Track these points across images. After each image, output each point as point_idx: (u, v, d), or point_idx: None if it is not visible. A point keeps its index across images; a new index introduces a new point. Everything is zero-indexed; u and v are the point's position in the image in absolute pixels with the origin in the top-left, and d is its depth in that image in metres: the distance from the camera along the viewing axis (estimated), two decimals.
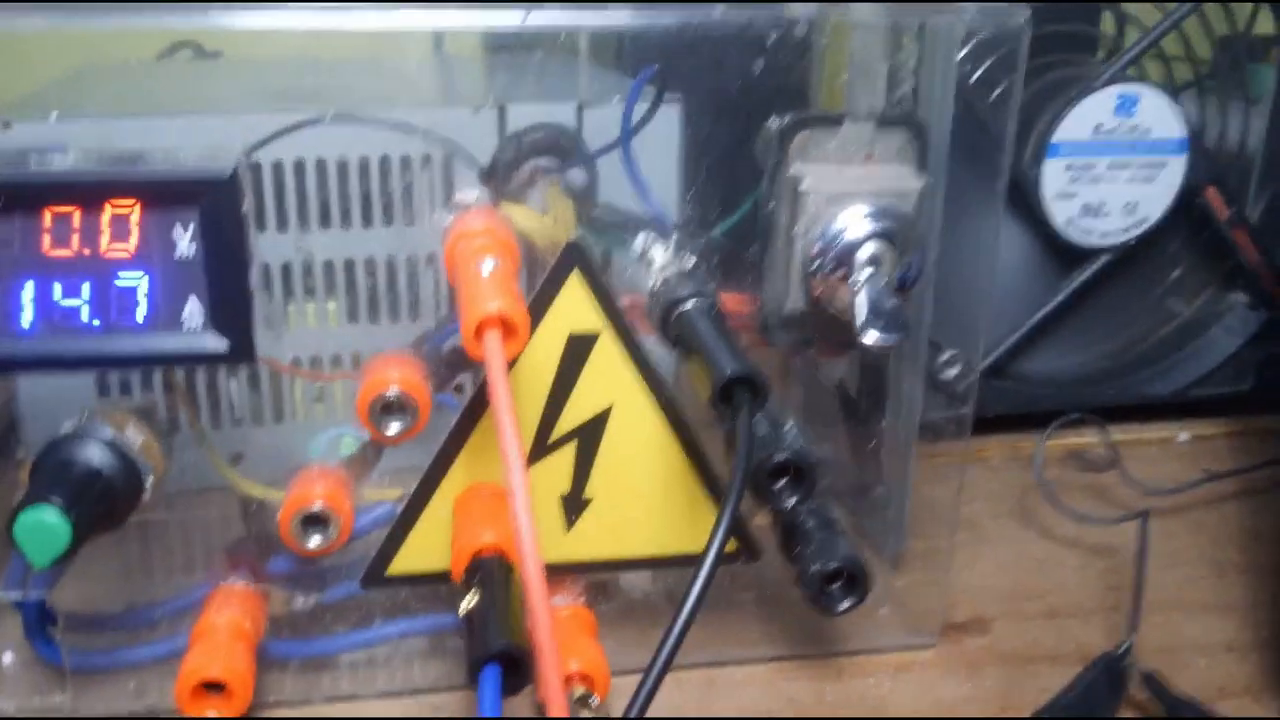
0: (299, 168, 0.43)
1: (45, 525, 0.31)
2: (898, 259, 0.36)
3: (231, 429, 0.48)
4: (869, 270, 0.35)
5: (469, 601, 0.32)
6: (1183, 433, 0.59)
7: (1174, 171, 0.54)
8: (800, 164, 0.37)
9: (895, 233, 0.36)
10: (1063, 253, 0.56)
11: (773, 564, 0.41)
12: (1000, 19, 0.35)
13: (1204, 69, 0.57)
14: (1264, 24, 0.57)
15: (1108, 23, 0.58)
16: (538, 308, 0.35)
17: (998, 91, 0.49)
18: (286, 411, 0.48)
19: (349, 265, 0.46)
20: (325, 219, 0.45)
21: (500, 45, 0.44)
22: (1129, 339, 0.59)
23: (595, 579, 0.40)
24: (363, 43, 0.39)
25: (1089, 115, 0.53)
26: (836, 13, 0.35)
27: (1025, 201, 0.54)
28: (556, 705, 0.28)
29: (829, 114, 0.37)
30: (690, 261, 0.37)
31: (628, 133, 0.38)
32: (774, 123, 0.38)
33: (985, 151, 0.54)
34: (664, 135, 0.43)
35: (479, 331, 0.30)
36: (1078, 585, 0.46)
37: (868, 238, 0.36)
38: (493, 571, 0.33)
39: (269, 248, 0.44)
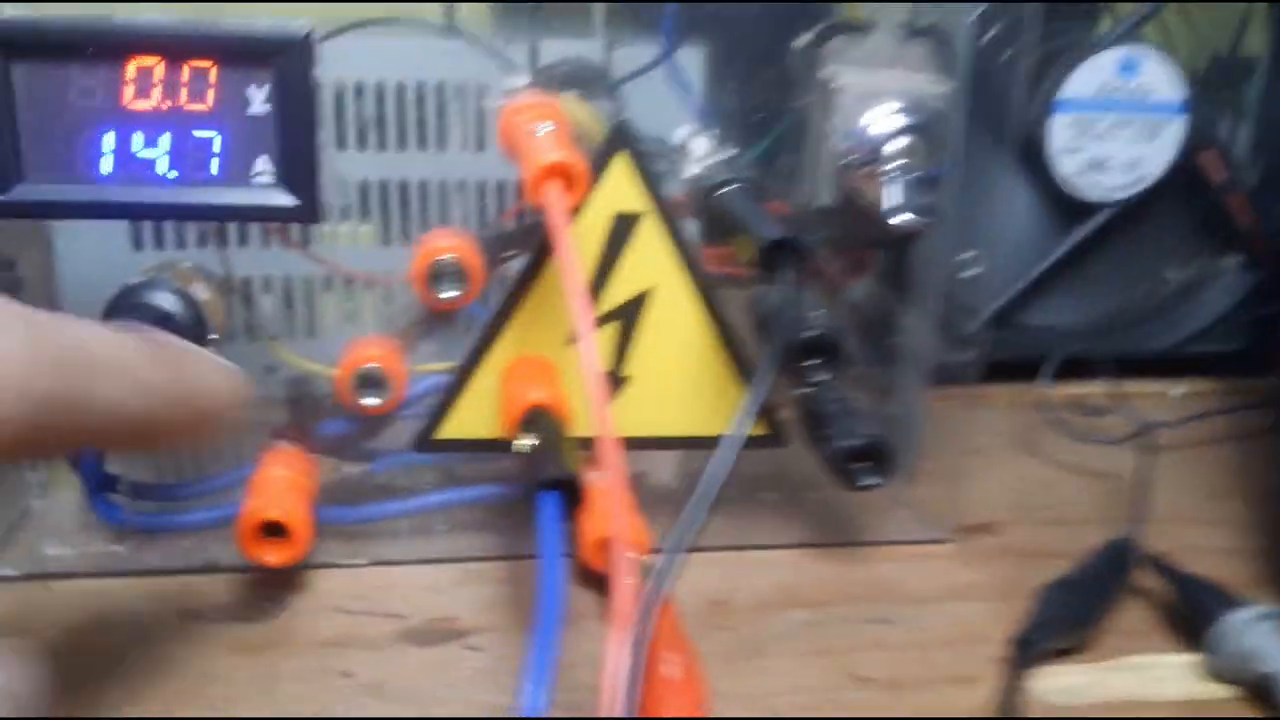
0: (338, 87, 0.45)
1: None
2: (926, 156, 0.39)
3: (264, 344, 0.49)
4: (899, 162, 0.38)
5: (526, 442, 0.34)
6: (1177, 388, 0.61)
7: (1173, 132, 0.57)
8: (834, 66, 0.39)
9: (923, 129, 0.38)
10: (1067, 208, 0.58)
11: (795, 463, 0.43)
12: None
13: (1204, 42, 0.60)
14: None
15: None
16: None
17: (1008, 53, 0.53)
18: (318, 328, 0.50)
19: (384, 188, 0.48)
20: (362, 141, 0.47)
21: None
22: (1128, 296, 0.61)
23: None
24: None
25: (1094, 75, 0.55)
26: None
27: (1034, 157, 0.57)
28: (621, 540, 0.30)
29: (860, 23, 0.39)
30: (731, 151, 0.39)
31: (671, 38, 0.40)
32: (806, 35, 0.40)
33: (995, 112, 0.57)
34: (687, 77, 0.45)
35: (539, 182, 0.33)
36: (1081, 501, 0.48)
37: (898, 133, 0.38)
38: (547, 418, 0.35)
39: None
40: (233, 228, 0.43)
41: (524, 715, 0.27)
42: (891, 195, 0.37)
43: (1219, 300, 0.61)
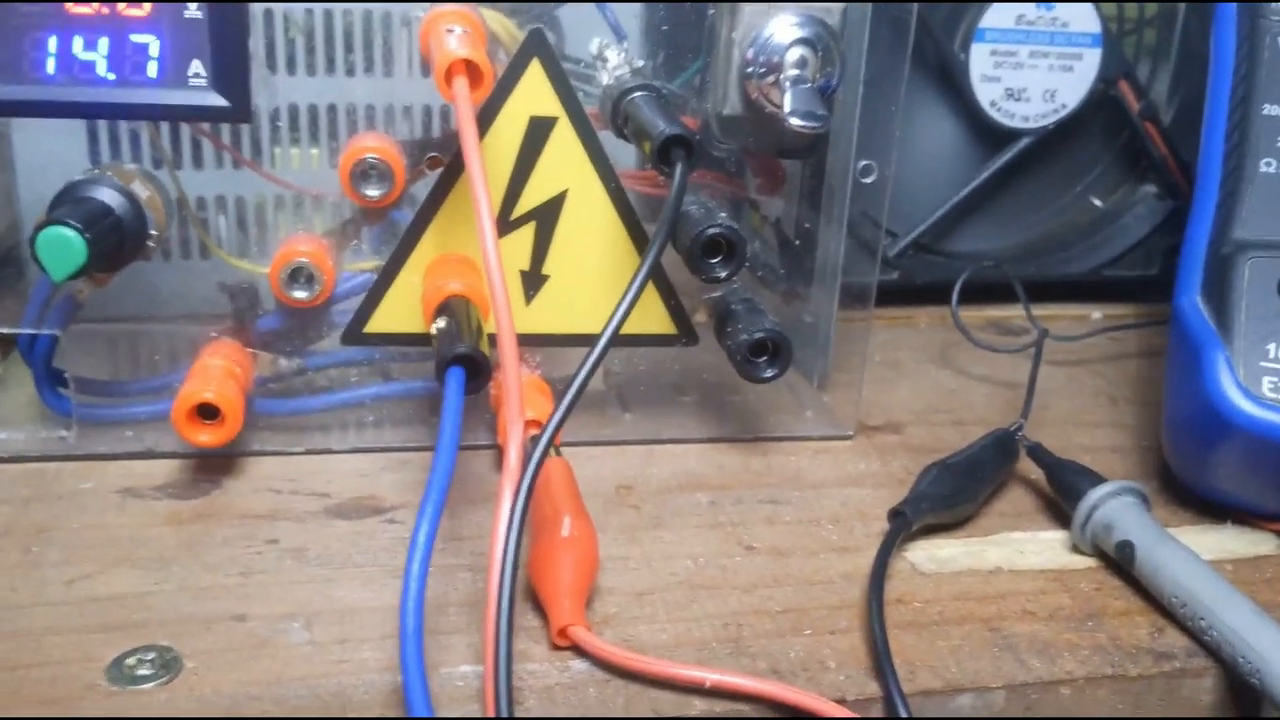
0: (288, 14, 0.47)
1: (64, 240, 0.36)
2: (821, 66, 0.41)
3: (219, 263, 0.52)
4: (795, 71, 0.41)
5: (438, 325, 0.37)
6: (1095, 312, 0.64)
7: (1089, 63, 0.60)
8: None
9: (818, 40, 0.41)
10: (989, 136, 0.61)
11: (712, 365, 0.46)
12: None
13: None
14: None
15: None
16: (501, 91, 0.40)
17: None
18: (270, 249, 0.52)
19: (331, 111, 0.50)
20: (311, 67, 0.49)
21: None
22: (1049, 223, 0.64)
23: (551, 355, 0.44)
24: None
25: (1013, 6, 0.58)
26: None
27: (954, 84, 0.59)
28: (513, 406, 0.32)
29: None
30: (640, 63, 0.41)
31: None
32: None
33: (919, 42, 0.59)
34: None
35: (448, 77, 0.35)
36: (984, 406, 0.51)
37: (794, 43, 0.41)
38: (459, 306, 0.38)
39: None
40: (187, 145, 0.45)
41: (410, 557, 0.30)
42: (787, 101, 0.40)
43: (1136, 227, 0.64)
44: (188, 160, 0.45)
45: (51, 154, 0.45)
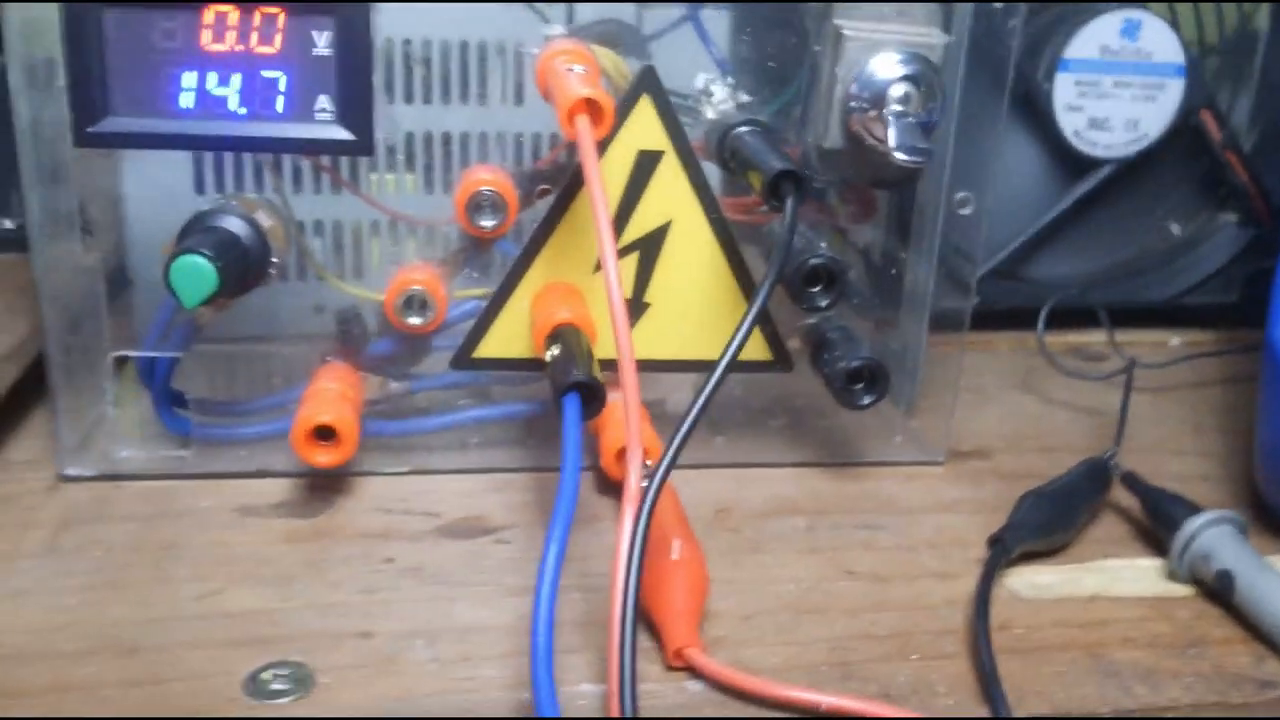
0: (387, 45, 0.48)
1: (197, 268, 0.37)
2: (923, 102, 0.42)
3: (315, 283, 0.53)
4: (899, 107, 0.41)
5: (551, 353, 0.38)
6: (1174, 338, 0.64)
7: (1172, 93, 0.60)
8: (843, 18, 0.43)
9: (921, 77, 0.42)
10: (1071, 164, 0.61)
11: (803, 390, 0.47)
12: None
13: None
14: None
15: None
16: (612, 126, 0.41)
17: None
18: (365, 270, 0.54)
19: (428, 139, 0.51)
20: (409, 96, 0.50)
21: None
22: (1129, 250, 0.64)
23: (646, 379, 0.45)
24: None
25: (1097, 36, 0.59)
26: None
27: (1038, 113, 0.60)
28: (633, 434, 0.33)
29: None
30: (745, 98, 0.43)
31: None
32: None
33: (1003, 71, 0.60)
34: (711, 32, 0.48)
35: (571, 115, 0.36)
36: (1070, 432, 0.52)
37: (899, 79, 0.42)
38: (570, 334, 0.39)
39: None
40: (288, 171, 0.46)
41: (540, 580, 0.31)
42: (891, 135, 0.41)
43: (1216, 254, 0.64)
44: (290, 184, 0.47)
45: (157, 179, 0.47)
